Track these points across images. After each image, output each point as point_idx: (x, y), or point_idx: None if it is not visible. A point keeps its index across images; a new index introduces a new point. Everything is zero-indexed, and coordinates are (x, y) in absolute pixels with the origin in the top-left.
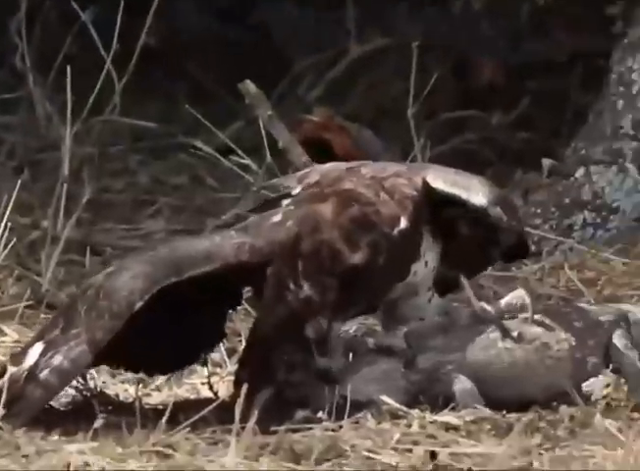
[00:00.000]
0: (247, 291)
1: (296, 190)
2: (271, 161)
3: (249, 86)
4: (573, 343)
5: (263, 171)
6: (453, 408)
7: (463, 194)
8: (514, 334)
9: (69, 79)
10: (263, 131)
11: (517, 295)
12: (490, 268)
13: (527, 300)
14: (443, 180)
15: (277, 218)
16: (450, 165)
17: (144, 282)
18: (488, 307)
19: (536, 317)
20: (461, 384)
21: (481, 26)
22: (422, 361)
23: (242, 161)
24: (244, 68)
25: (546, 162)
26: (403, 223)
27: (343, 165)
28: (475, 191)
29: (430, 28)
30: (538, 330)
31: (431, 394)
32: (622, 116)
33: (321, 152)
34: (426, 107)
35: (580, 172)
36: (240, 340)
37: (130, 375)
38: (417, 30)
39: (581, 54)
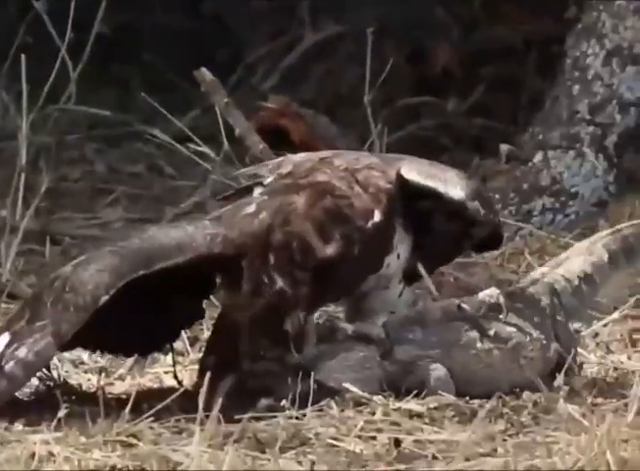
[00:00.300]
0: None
1: (269, 180)
2: (228, 148)
3: (205, 74)
4: (544, 343)
5: (220, 158)
6: (416, 396)
7: (440, 188)
8: (491, 333)
9: (24, 69)
10: (220, 119)
11: (490, 293)
12: None
13: (501, 299)
14: (417, 172)
15: (251, 209)
16: (407, 151)
17: (111, 275)
18: (464, 305)
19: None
20: (437, 371)
21: (436, 13)
22: (400, 353)
23: (200, 149)
24: (200, 56)
25: (503, 148)
26: (377, 216)
27: (315, 155)
28: (452, 185)
29: (385, 15)
30: (512, 329)
31: (405, 385)
32: (578, 101)
33: (278, 139)
34: (382, 94)
35: (538, 157)
36: (202, 329)
37: (93, 365)
38: (372, 17)
39: (536, 40)
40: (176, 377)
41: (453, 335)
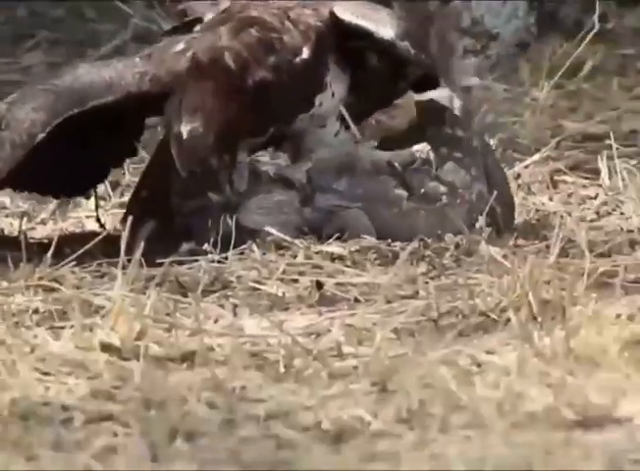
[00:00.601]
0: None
1: (207, 18)
2: None
3: None
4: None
5: (141, 1)
6: (338, 239)
7: (371, 26)
8: (420, 192)
9: None
10: None
11: (421, 148)
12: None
13: (431, 155)
14: (350, 12)
15: (179, 46)
16: None
17: (47, 113)
18: (394, 161)
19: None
20: (358, 217)
21: None
22: (320, 200)
23: None
24: None
25: None
26: (306, 53)
27: None
28: (383, 24)
29: None
30: (443, 189)
31: (325, 232)
32: None
33: None
34: None
35: None
36: (124, 174)
37: (15, 209)
38: None
39: None
40: (98, 220)
41: (380, 190)
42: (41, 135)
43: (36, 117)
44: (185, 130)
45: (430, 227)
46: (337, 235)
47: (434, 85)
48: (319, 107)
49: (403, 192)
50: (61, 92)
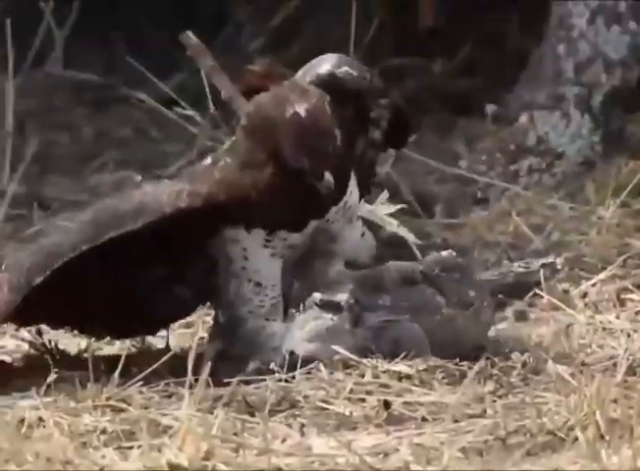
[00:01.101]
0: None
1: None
2: (214, 112)
3: (190, 38)
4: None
5: (207, 122)
6: (404, 357)
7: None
8: (454, 299)
9: (9, 32)
10: (206, 82)
11: (444, 255)
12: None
13: (458, 260)
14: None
15: (208, 160)
16: None
17: (48, 255)
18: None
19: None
20: (410, 328)
21: None
22: (370, 318)
23: (186, 112)
24: (185, 18)
25: (489, 108)
26: (338, 136)
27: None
28: (323, 62)
29: None
30: (472, 293)
31: (378, 348)
32: (564, 60)
33: None
34: (368, 52)
35: (524, 117)
36: None
37: None
38: None
39: None
40: (167, 342)
41: (422, 299)
42: (39, 279)
43: (36, 259)
44: None
45: (468, 331)
46: (404, 353)
47: (408, 130)
48: (350, 195)
49: (442, 299)
50: (72, 229)
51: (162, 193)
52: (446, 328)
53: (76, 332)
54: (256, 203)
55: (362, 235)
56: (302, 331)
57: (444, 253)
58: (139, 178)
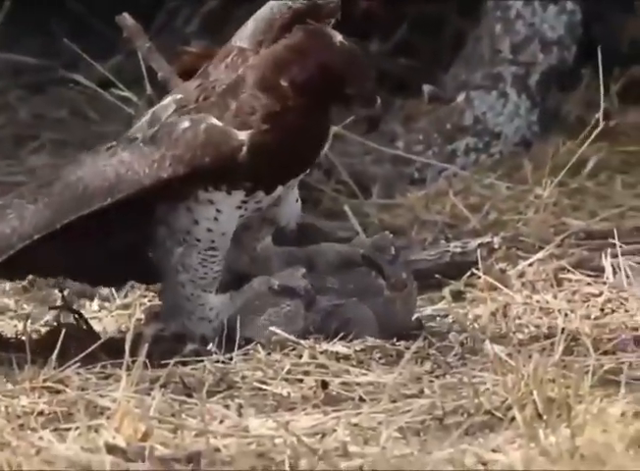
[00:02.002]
0: None
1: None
2: (151, 93)
3: (127, 19)
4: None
5: (144, 103)
6: (342, 338)
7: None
8: (392, 281)
9: None
10: (142, 64)
11: (383, 237)
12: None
13: (395, 243)
14: None
15: (185, 124)
16: None
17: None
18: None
19: None
20: (358, 308)
21: None
22: (322, 301)
23: (123, 94)
24: (120, 1)
25: (426, 88)
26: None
27: None
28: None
29: None
30: (404, 275)
31: (326, 330)
32: (501, 40)
33: None
34: None
35: (461, 97)
36: None
37: (19, 311)
38: None
39: None
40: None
41: (366, 282)
42: (11, 252)
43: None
44: None
45: (404, 314)
46: (341, 333)
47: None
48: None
49: (382, 282)
50: (35, 212)
51: (141, 164)
52: (388, 310)
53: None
54: (248, 162)
55: (297, 200)
56: (262, 318)
57: (377, 237)
58: None
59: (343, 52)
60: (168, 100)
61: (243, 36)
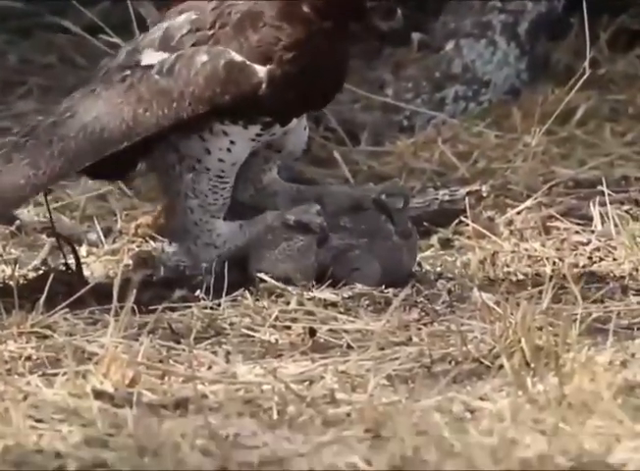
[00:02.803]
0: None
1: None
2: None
3: None
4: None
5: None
6: (331, 285)
7: None
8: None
9: None
10: (131, 10)
11: (393, 184)
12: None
13: (406, 193)
14: None
15: (203, 57)
16: None
17: (29, 186)
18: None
19: None
20: (370, 262)
21: None
22: (334, 240)
23: (111, 39)
24: None
25: (415, 36)
26: None
27: None
28: None
29: None
30: (409, 223)
31: (334, 270)
32: None
33: None
34: None
35: (450, 45)
36: (116, 220)
37: (6, 256)
38: None
39: None
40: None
41: (378, 225)
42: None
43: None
44: None
45: (408, 262)
46: (329, 281)
47: None
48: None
49: (391, 227)
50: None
51: (159, 103)
52: (395, 256)
53: None
54: (268, 97)
55: (305, 127)
56: (276, 252)
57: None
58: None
59: None
60: (182, 19)
61: None
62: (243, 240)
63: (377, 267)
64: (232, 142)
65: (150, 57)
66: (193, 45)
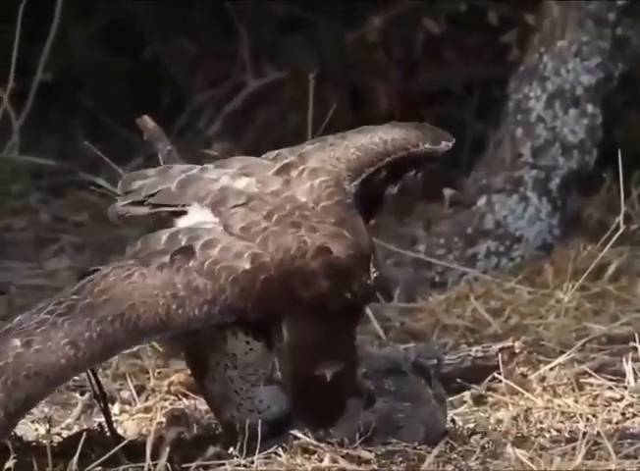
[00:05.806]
0: None
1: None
2: None
3: (147, 122)
4: None
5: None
6: (365, 441)
7: None
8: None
9: None
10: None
11: (428, 346)
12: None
13: (440, 356)
14: None
15: (245, 262)
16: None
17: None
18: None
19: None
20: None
21: (376, 56)
22: (379, 403)
23: None
24: (141, 103)
25: (447, 192)
26: None
27: None
28: None
29: (324, 59)
30: (441, 387)
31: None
32: (522, 144)
33: None
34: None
35: (482, 201)
36: (149, 378)
37: (39, 414)
38: (312, 62)
39: (477, 83)
40: (112, 431)
41: (418, 389)
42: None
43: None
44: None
45: (443, 419)
46: (364, 437)
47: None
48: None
49: (430, 391)
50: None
51: (192, 303)
52: (436, 420)
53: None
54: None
55: None
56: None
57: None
58: None
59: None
60: (244, 183)
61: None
62: (287, 402)
63: (421, 431)
64: (251, 349)
65: (194, 215)
66: (242, 228)
